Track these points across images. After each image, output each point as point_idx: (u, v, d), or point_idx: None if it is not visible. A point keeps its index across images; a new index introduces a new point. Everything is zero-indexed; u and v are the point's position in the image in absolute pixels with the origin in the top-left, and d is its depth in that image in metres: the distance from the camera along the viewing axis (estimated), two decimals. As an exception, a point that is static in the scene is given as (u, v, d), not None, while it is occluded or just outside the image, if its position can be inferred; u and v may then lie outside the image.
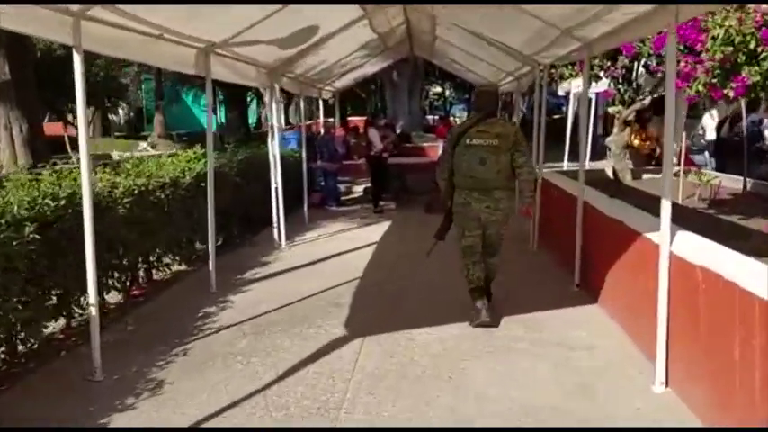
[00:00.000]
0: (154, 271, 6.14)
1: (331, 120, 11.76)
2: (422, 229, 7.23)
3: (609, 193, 6.38)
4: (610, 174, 8.92)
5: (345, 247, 7.57)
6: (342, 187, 13.23)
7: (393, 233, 8.64)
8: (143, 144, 15.28)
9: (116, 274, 5.24)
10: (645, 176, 8.96)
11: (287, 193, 10.08)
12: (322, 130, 11.26)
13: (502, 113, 27.03)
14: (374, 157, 10.10)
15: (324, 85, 11.02)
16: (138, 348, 4.30)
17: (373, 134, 10.00)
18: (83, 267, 3.79)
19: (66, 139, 16.58)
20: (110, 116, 37.68)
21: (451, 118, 43.92)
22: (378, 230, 8.82)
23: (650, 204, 4.57)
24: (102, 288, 4.87)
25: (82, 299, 4.43)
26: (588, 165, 14.62)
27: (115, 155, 13.84)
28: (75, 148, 19.79)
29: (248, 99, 29.85)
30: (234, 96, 23.62)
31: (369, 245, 7.74)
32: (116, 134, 30.11)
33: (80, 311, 4.58)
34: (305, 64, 8.09)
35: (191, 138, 29.56)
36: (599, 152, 18.29)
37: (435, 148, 15.67)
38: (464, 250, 4.91)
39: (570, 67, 8.79)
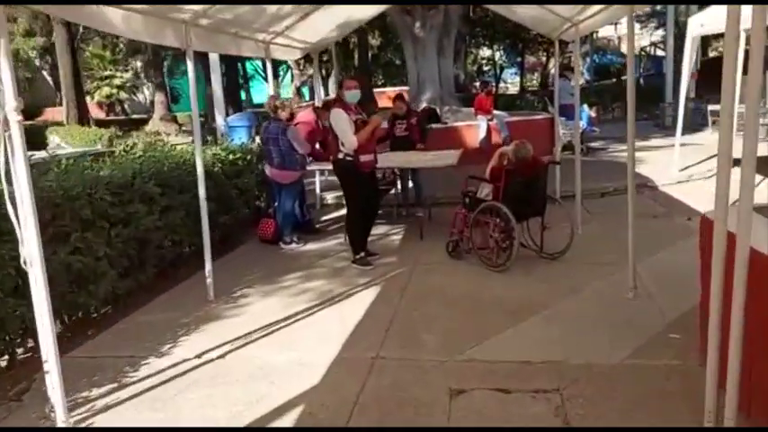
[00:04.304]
0: None
1: (285, 96, 6.95)
2: (453, 327, 3.66)
3: None
4: None
5: None
6: (328, 197, 8.65)
7: (373, 345, 3.97)
8: (55, 139, 11.13)
9: None
10: None
11: (182, 233, 5.59)
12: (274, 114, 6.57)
13: (544, 92, 21.02)
14: (342, 162, 5.39)
15: (268, 35, 6.35)
16: None
17: (338, 119, 5.26)
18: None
19: None
20: (117, 97, 34.25)
21: (502, 84, 38.56)
22: (348, 321, 4.21)
23: None
24: None
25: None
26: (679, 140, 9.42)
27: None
28: None
29: (246, 69, 25.00)
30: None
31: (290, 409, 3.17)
32: (98, 118, 26.13)
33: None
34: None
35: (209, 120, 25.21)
36: (692, 124, 12.98)
37: (473, 130, 10.79)
38: None
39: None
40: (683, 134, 9.44)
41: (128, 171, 4.85)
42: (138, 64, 36.81)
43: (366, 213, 5.57)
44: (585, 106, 11.53)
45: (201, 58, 20.15)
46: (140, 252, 4.97)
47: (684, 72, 8.70)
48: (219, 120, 9.54)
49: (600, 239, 6.09)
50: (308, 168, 6.83)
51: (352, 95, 5.33)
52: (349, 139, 5.19)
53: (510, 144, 5.43)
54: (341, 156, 5.33)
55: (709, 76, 8.88)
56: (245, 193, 6.94)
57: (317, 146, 6.96)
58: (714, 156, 8.29)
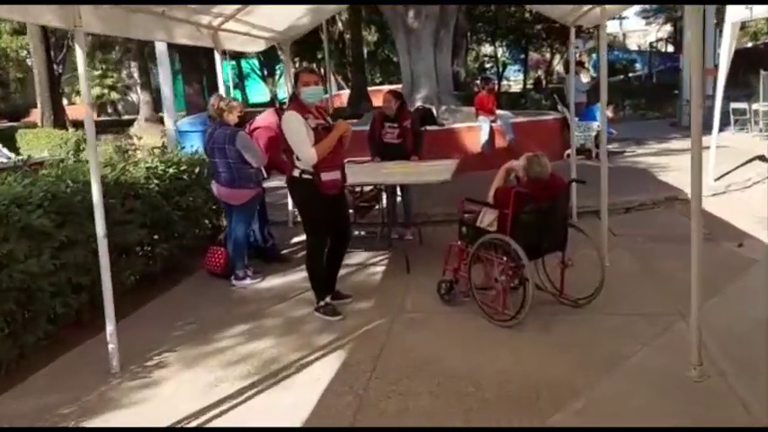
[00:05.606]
0: None
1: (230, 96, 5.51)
2: None
3: None
4: None
5: None
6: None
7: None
8: (-1, 149, 10.05)
9: None
10: None
11: (95, 273, 4.22)
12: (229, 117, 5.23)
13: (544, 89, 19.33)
14: (297, 181, 4.09)
15: (214, 19, 5.06)
16: None
17: (291, 125, 3.92)
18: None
19: None
20: (108, 98, 33.13)
21: (504, 82, 37.16)
22: (291, 417, 2.93)
23: None
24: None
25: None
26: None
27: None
28: None
29: (241, 67, 23.69)
30: (192, 62, 17.41)
31: None
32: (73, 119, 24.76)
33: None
34: None
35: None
36: (712, 123, 11.50)
37: (474, 132, 9.48)
38: None
39: None
40: (703, 135, 8.15)
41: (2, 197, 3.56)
42: (133, 63, 35.57)
43: (332, 247, 4.27)
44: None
45: (173, 53, 18.93)
46: (26, 305, 3.69)
47: (723, 64, 7.38)
48: (169, 123, 8.23)
49: (634, 274, 4.80)
50: (267, 185, 5.51)
51: (311, 93, 4.01)
52: (305, 151, 3.89)
53: (520, 157, 4.11)
54: (296, 173, 4.03)
55: (730, 71, 7.58)
56: (192, 212, 5.67)
57: (284, 156, 5.65)
58: (750, 160, 6.75)
